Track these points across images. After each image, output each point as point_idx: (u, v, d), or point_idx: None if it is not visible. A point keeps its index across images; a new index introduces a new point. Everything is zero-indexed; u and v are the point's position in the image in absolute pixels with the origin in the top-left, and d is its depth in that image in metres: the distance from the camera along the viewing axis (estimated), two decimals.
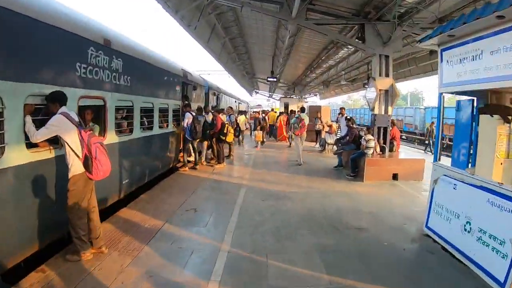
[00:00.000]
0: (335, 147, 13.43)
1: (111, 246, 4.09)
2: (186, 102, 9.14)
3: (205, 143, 9.86)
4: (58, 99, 3.65)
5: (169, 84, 7.97)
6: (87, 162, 3.65)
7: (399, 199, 6.59)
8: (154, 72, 6.90)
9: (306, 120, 11.02)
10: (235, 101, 24.83)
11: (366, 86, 21.86)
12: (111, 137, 5.22)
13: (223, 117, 9.70)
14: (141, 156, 6.50)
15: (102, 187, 4.95)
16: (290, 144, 15.11)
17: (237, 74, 28.79)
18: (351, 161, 8.44)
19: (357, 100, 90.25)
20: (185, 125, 8.41)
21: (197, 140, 8.90)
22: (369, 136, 8.30)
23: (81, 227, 3.73)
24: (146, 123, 6.81)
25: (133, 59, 5.88)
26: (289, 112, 18.68)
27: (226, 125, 9.14)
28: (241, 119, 17.04)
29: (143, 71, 6.38)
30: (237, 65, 23.79)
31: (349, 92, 37.05)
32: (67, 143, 3.61)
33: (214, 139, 9.45)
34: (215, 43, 15.05)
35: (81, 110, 5.15)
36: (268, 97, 46.46)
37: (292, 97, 31.96)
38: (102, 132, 5.04)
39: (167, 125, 7.90)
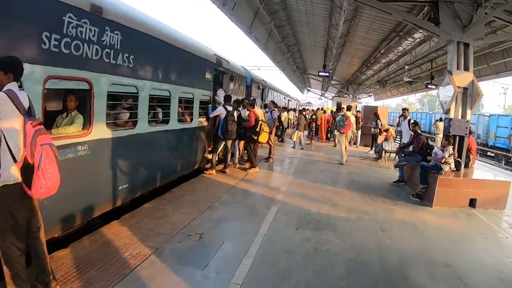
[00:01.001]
0: (392, 155, 11.26)
1: (66, 282, 2.89)
2: (225, 93, 7.78)
3: (241, 143, 8.54)
4: (12, 67, 2.48)
5: (196, 71, 6.70)
6: (25, 170, 2.44)
7: (482, 241, 4.66)
8: (172, 54, 5.66)
9: (352, 119, 10.25)
10: (284, 98, 23.19)
11: (429, 86, 19.32)
12: (100, 131, 4.07)
13: (259, 113, 8.21)
14: (150, 156, 5.32)
15: (87, 193, 3.93)
16: (335, 144, 14.21)
17: (287, 69, 27.09)
18: (422, 171, 6.37)
19: (413, 104, 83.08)
20: (210, 116, 7.16)
21: (232, 139, 7.59)
22: (451, 149, 6.17)
23: (17, 260, 2.55)
24: (160, 116, 5.63)
25: (140, 35, 4.67)
26: (334, 110, 16.76)
27: (260, 122, 7.60)
28: (286, 116, 15.46)
29: (156, 51, 5.15)
30: (286, 57, 22.07)
31: (406, 94, 34.03)
32: (4, 137, 2.44)
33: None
34: (260, 29, 13.49)
35: (59, 95, 4.17)
36: (320, 95, 44.04)
37: (345, 97, 29.60)
38: (87, 124, 3.90)
39: (191, 119, 6.65)
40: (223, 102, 7.37)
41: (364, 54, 17.22)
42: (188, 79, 6.30)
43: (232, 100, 7.71)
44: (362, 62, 19.65)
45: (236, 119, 7.14)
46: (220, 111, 7.03)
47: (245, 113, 7.96)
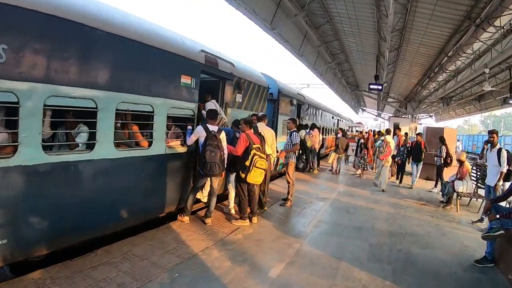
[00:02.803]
0: (465, 199, 7.94)
1: None
2: (217, 107, 5.69)
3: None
4: None
5: (159, 71, 4.57)
6: None
7: None
8: (103, 44, 3.63)
9: (392, 144, 9.27)
10: (333, 117, 20.22)
11: (510, 101, 15.25)
12: None
13: (267, 135, 5.87)
14: (53, 200, 3.31)
15: None
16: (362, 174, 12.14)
17: (335, 83, 24.20)
18: None
19: (475, 125, 73.44)
20: (188, 143, 5.03)
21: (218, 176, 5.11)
22: None
23: None
24: (81, 139, 3.67)
25: (23, 13, 2.80)
26: (375, 133, 13.68)
27: (253, 152, 4.93)
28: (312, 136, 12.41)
29: (63, 38, 3.18)
30: (331, 68, 19.29)
31: (473, 113, 29.35)
32: None
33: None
34: (286, 24, 10.89)
35: None
36: (376, 115, 39.76)
37: (404, 117, 25.98)
38: None
39: (150, 144, 4.48)
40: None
41: (425, 59, 13.83)
42: (141, 83, 4.20)
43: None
44: (424, 72, 16.14)
45: (221, 144, 4.84)
46: (199, 133, 4.83)
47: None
